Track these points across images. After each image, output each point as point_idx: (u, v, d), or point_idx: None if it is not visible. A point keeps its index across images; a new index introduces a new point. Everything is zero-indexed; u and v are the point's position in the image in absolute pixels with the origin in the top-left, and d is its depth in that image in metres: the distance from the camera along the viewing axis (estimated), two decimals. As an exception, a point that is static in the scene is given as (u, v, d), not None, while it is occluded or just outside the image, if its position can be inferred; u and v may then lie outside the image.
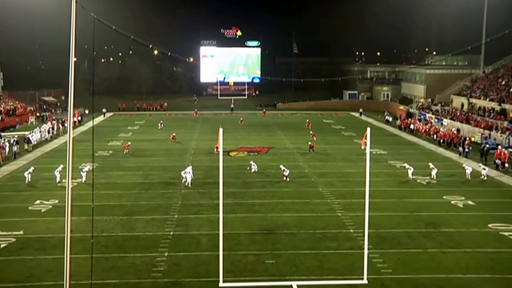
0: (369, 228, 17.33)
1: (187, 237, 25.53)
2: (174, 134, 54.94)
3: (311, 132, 57.44)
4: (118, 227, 27.14)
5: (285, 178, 37.31)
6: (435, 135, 56.13)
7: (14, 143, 46.50)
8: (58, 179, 36.35)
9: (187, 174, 35.94)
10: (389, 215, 29.04)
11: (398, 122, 68.47)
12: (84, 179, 35.99)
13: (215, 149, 47.26)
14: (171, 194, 33.43)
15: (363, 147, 46.49)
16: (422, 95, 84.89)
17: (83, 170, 36.43)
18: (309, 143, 50.33)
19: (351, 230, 26.40)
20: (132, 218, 28.62)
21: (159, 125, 65.04)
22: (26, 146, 48.87)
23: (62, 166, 36.97)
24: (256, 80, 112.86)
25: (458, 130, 57.50)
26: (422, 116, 70.90)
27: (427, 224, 27.57)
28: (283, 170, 37.91)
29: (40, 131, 54.51)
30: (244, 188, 34.94)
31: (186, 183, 35.48)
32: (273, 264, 22.15)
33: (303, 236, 25.65)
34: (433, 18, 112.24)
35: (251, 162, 40.82)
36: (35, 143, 51.22)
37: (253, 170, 39.71)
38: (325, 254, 23.36)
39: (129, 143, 50.48)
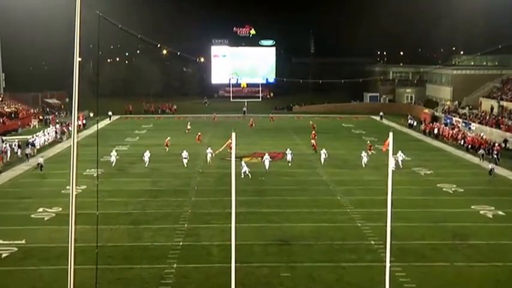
0: (391, 240, 17.26)
1: (197, 248, 25.60)
2: (199, 134, 57.93)
3: (313, 132, 57.23)
4: (124, 236, 27.29)
5: (268, 162, 42.32)
6: (462, 141, 55.77)
7: (26, 145, 48.73)
8: (114, 162, 44.01)
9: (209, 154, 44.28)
10: (413, 225, 28.92)
11: (422, 126, 68.14)
12: (114, 162, 44.25)
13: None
14: (180, 202, 33.55)
15: (384, 150, 46.88)
16: (448, 98, 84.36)
17: (112, 158, 44.46)
18: (312, 141, 51.78)
19: (372, 242, 26.33)
20: (139, 227, 28.76)
21: (187, 125, 65.80)
22: (29, 150, 49.40)
23: (115, 152, 45.88)
24: (271, 81, 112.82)
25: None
26: (448, 120, 70.50)
27: (453, 235, 27.40)
28: (287, 153, 44.44)
29: (45, 134, 54.98)
30: (258, 196, 34.98)
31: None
32: (289, 277, 22.13)
33: (321, 248, 25.61)
34: (461, 14, 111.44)
35: (242, 162, 41.20)
36: (39, 147, 51.63)
37: (243, 170, 40.06)
38: (344, 266, 23.32)
39: (169, 138, 53.41)
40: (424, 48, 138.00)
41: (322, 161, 45.44)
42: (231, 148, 45.31)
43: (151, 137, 62.17)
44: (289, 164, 44.27)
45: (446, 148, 55.32)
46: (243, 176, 39.61)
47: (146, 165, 44.68)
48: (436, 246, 25.84)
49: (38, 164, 43.21)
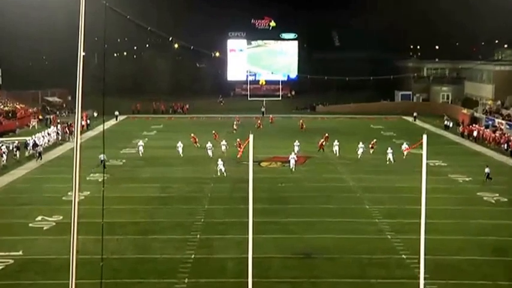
0: (424, 254, 17.12)
1: (210, 261, 25.64)
2: (214, 132, 59.75)
3: (326, 134, 57.27)
4: (131, 248, 27.39)
5: (293, 161, 44.51)
6: (506, 145, 55.21)
7: (25, 146, 50.42)
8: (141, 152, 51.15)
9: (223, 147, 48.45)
10: (450, 238, 28.71)
11: (460, 128, 67.63)
12: (141, 152, 51.34)
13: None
14: (192, 210, 33.60)
15: (405, 152, 49.51)
16: (490, 97, 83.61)
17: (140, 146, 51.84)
18: (322, 141, 53.96)
19: (403, 256, 26.18)
20: (147, 237, 28.86)
21: (234, 125, 66.96)
22: (29, 152, 49.90)
23: (142, 142, 53.09)
24: (293, 78, 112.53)
25: None
26: (489, 122, 69.86)
27: (495, 250, 27.14)
28: (295, 145, 49.46)
29: (44, 136, 55.31)
30: (278, 204, 34.95)
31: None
32: (311, 294, 22.06)
33: (346, 262, 25.53)
34: (504, 3, 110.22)
35: (219, 159, 43.37)
36: (41, 149, 51.62)
37: (220, 169, 42.38)
38: (373, 283, 23.21)
39: (192, 134, 56.40)
40: (462, 41, 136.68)
41: (336, 151, 51.15)
42: (239, 147, 49.12)
43: (162, 138, 62.40)
44: (292, 153, 46.80)
45: (488, 153, 54.79)
46: (219, 174, 42.59)
47: (181, 155, 50.53)
48: (476, 262, 25.61)
49: (101, 161, 44.15)
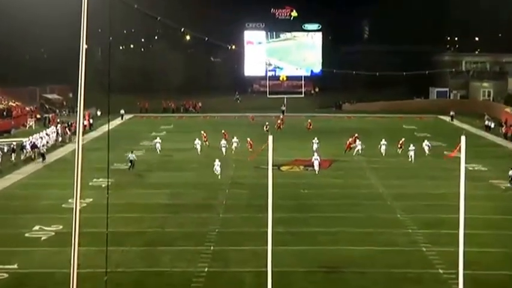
0: (463, 269, 16.97)
1: (225, 275, 25.63)
2: (223, 131, 58.75)
3: (355, 135, 56.98)
4: (137, 260, 27.43)
5: (317, 162, 45.30)
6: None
7: (22, 148, 50.64)
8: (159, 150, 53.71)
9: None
10: (492, 251, 28.53)
11: (503, 128, 67.19)
12: (159, 150, 53.53)
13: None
14: (205, 220, 33.64)
15: (451, 156, 50.00)
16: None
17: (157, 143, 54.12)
18: (350, 141, 54.69)
19: (440, 270, 26.03)
20: (156, 249, 28.90)
21: (265, 128, 65.48)
22: (25, 155, 50.19)
23: (159, 139, 55.29)
24: (317, 72, 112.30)
25: None
26: (536, 121, 69.37)
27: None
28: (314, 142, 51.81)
29: (42, 137, 55.60)
30: (300, 213, 34.91)
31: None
32: (337, 312, 22.00)
33: (376, 276, 25.43)
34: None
35: (216, 160, 43.88)
36: (44, 150, 51.94)
37: (218, 171, 42.87)
38: (406, 301, 23.10)
39: (203, 132, 57.39)
40: (505, 32, 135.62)
41: (360, 151, 52.46)
42: (251, 146, 50.12)
43: (172, 140, 62.41)
44: (314, 154, 47.63)
45: (533, 156, 54.45)
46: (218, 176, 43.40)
47: (199, 153, 52.64)
48: (520, 278, 25.39)
49: (131, 161, 44.79)
